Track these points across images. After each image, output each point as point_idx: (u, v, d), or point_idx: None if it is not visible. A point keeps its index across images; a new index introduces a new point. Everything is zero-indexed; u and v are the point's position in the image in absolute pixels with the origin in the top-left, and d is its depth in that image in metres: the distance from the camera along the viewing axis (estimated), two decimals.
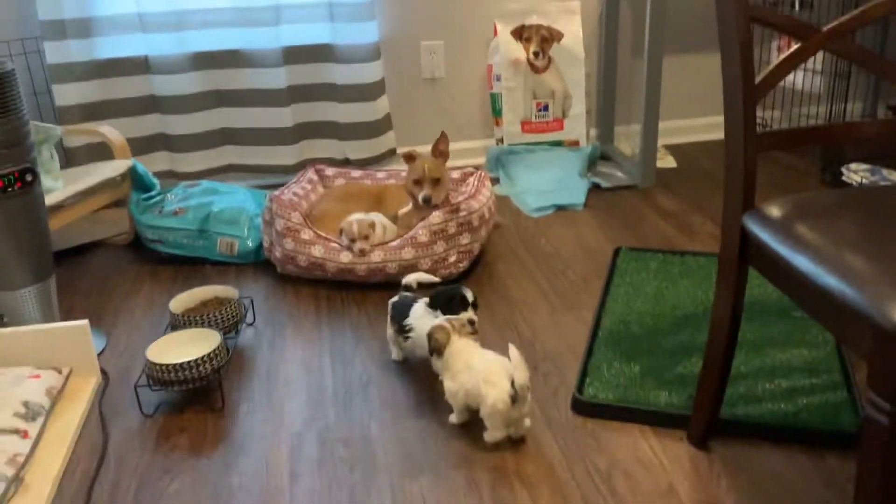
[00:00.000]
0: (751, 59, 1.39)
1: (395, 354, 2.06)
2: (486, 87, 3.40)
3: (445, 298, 1.92)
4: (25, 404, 1.80)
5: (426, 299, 1.96)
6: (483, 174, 2.69)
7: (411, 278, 2.09)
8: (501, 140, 3.37)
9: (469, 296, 1.91)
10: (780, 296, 2.17)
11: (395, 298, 2.05)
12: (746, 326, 2.04)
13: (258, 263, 2.63)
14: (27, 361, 1.94)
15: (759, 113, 1.42)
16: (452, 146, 2.68)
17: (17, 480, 1.63)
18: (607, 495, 1.57)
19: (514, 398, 1.64)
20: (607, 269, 2.44)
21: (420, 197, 2.48)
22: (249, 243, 2.62)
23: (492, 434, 1.70)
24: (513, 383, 1.64)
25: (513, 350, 1.66)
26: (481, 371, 1.69)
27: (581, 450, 1.70)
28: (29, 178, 1.95)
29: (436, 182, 2.47)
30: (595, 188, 3.12)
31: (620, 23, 3.36)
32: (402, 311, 1.98)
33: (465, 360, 1.74)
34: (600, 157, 3.39)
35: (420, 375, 1.99)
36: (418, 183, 2.50)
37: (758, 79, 1.41)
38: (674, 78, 3.41)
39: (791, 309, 2.12)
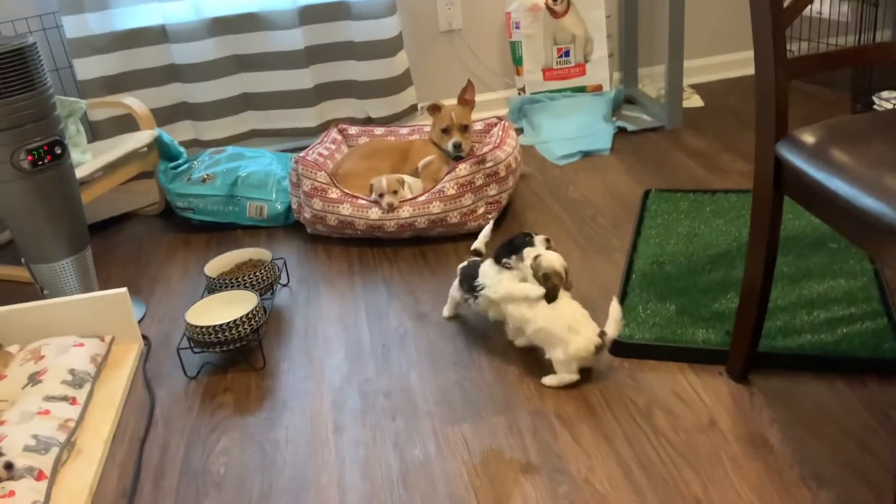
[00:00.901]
0: None
1: (448, 311, 2.04)
2: (505, 35, 3.35)
3: (507, 245, 1.86)
4: (72, 372, 1.85)
5: (490, 259, 1.91)
6: (507, 124, 2.67)
7: (479, 243, 2.02)
8: (523, 89, 3.34)
9: (532, 235, 1.86)
10: (814, 228, 2.15)
11: (464, 264, 1.99)
12: (782, 259, 2.01)
13: (288, 225, 2.65)
14: (70, 331, 1.99)
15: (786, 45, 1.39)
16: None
17: (69, 445, 1.68)
18: (648, 431, 1.58)
19: (600, 348, 1.71)
20: (637, 212, 2.42)
21: (450, 144, 2.50)
22: (278, 206, 2.63)
23: (562, 378, 1.73)
24: (602, 334, 1.71)
25: (614, 305, 1.73)
26: (567, 317, 1.73)
27: (620, 389, 1.70)
28: (58, 150, 1.97)
29: (464, 129, 2.52)
30: (621, 132, 3.09)
31: None
32: (471, 273, 1.92)
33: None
34: (625, 100, 3.35)
35: (455, 327, 2.01)
36: (447, 131, 2.52)
37: (786, 2, 1.38)
38: (696, 14, 3.33)
39: (827, 240, 2.10)
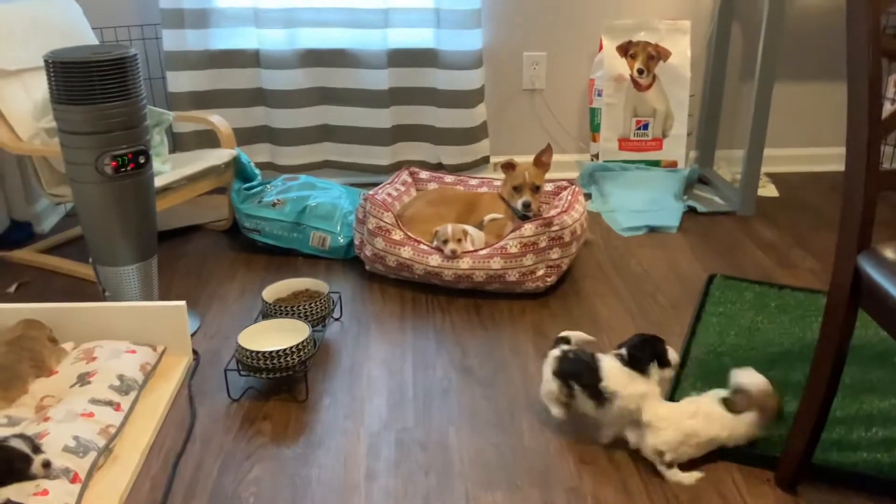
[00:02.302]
0: (879, 94, 1.33)
1: (558, 412, 1.78)
2: (586, 101, 3.37)
3: (647, 349, 1.71)
4: (120, 378, 1.88)
5: (613, 356, 1.74)
6: (577, 189, 2.66)
7: (573, 335, 1.88)
8: (597, 156, 3.33)
9: (669, 352, 1.74)
10: (880, 339, 2.08)
11: (558, 353, 1.78)
12: (845, 370, 1.95)
13: (347, 260, 2.67)
14: (125, 336, 2.02)
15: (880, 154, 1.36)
16: None
17: (107, 451, 1.70)
18: None
19: None
20: (699, 297, 2.37)
21: (520, 202, 2.53)
22: (341, 239, 2.66)
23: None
24: None
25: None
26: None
27: (663, 482, 1.65)
28: (142, 159, 2.03)
29: (535, 189, 2.55)
30: (691, 212, 3.05)
31: (731, 45, 3.27)
32: (579, 368, 1.73)
33: (691, 409, 1.70)
34: (698, 180, 3.32)
35: (501, 388, 1.98)
36: (518, 190, 2.56)
37: (885, 114, 1.35)
38: (781, 104, 3.29)
39: (892, 354, 2.02)
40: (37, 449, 1.55)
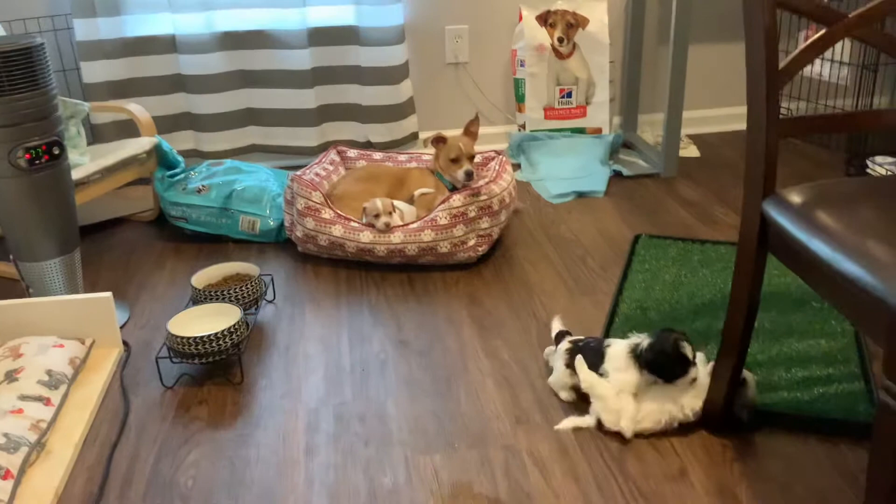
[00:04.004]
0: (775, 44, 1.39)
1: (567, 396, 1.82)
2: (509, 72, 3.40)
3: (665, 361, 1.67)
4: (49, 373, 1.84)
5: (626, 344, 1.74)
6: (504, 159, 2.70)
7: (560, 325, 1.95)
8: (523, 126, 3.37)
9: (689, 352, 1.67)
10: (798, 285, 2.17)
11: (568, 345, 1.83)
12: (764, 315, 2.03)
13: (279, 242, 2.66)
14: (52, 331, 1.98)
15: (784, 104, 1.42)
16: None
17: (39, 445, 1.67)
18: (619, 477, 1.58)
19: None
20: (626, 257, 2.44)
21: (461, 172, 2.56)
22: (271, 222, 2.65)
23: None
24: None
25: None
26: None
27: (594, 433, 1.71)
28: (56, 151, 1.98)
29: (471, 159, 2.57)
30: (616, 176, 3.12)
31: (647, 11, 3.34)
32: (587, 354, 1.77)
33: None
34: (623, 145, 3.39)
35: (437, 358, 2.01)
36: (456, 161, 2.58)
37: (782, 64, 1.41)
38: (698, 67, 3.38)
39: (810, 299, 2.11)
40: None
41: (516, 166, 3.21)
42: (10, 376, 1.82)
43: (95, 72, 3.00)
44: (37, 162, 1.94)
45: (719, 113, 3.60)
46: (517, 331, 2.10)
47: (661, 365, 1.68)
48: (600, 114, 3.35)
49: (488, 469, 1.61)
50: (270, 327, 2.17)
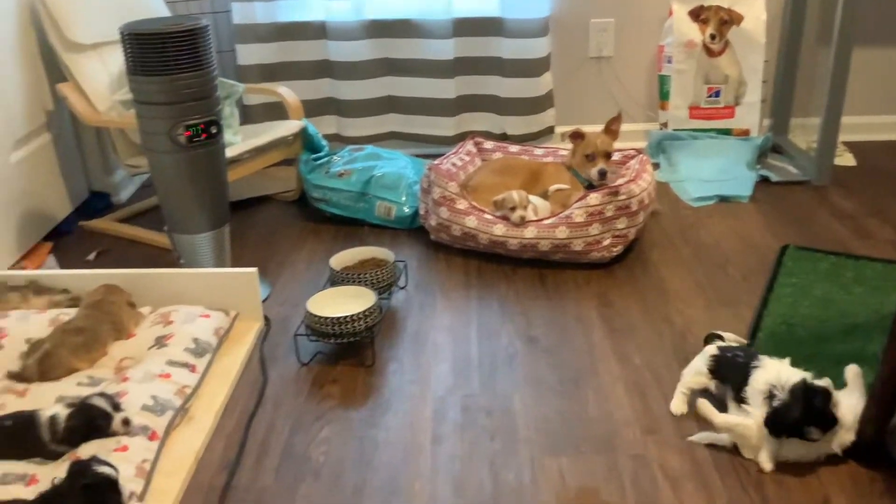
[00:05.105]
0: None
1: (679, 407, 1.75)
2: (654, 68, 3.30)
3: (805, 426, 1.53)
4: (195, 341, 1.94)
5: (767, 383, 1.60)
6: (645, 158, 2.62)
7: (725, 334, 1.87)
8: (665, 124, 3.27)
9: (833, 409, 1.55)
10: None
11: (716, 350, 1.76)
12: None
13: (412, 229, 2.69)
14: (199, 301, 2.08)
15: None
16: None
17: (183, 410, 1.76)
18: (756, 501, 1.50)
19: None
20: (771, 268, 2.32)
21: (595, 171, 2.52)
22: (406, 209, 2.68)
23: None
24: None
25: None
26: None
27: (731, 454, 1.63)
28: (214, 129, 2.07)
29: (607, 157, 2.52)
30: (763, 181, 2.97)
31: (808, 7, 3.15)
32: (731, 370, 1.70)
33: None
34: (772, 148, 3.22)
35: (565, 357, 1.98)
36: (591, 158, 2.54)
37: None
38: (860, 71, 3.16)
39: None
40: (117, 407, 1.62)
41: (655, 166, 3.11)
42: (160, 342, 1.92)
43: (249, 54, 3.13)
44: (195, 139, 2.04)
45: (881, 120, 3.36)
46: (650, 336, 2.04)
47: (802, 430, 1.54)
48: (749, 115, 3.20)
49: (616, 477, 1.58)
50: (402, 313, 2.20)
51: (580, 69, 3.32)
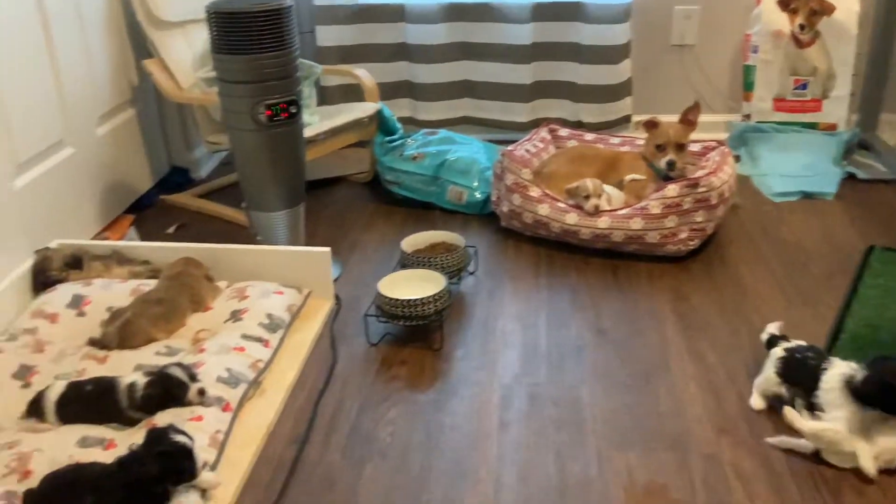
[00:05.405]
0: None
1: (758, 402, 1.72)
2: (738, 58, 3.20)
3: (889, 392, 1.50)
4: (269, 316, 1.97)
5: (841, 375, 1.56)
6: (726, 150, 2.55)
7: (775, 328, 1.81)
8: (748, 116, 3.17)
9: None
10: None
11: (782, 352, 1.70)
12: None
13: (483, 215, 2.68)
14: (274, 278, 2.12)
15: None
16: None
17: (255, 384, 1.80)
18: None
19: None
20: (856, 268, 2.23)
21: (664, 161, 2.45)
22: (478, 195, 2.67)
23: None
24: None
25: None
26: None
27: (806, 461, 1.57)
28: (293, 109, 2.10)
29: (680, 148, 2.45)
30: (850, 178, 2.85)
31: None
32: (801, 372, 1.65)
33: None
34: (859, 144, 3.09)
35: (636, 351, 1.95)
36: (661, 149, 2.47)
37: None
38: None
39: None
40: (193, 377, 1.66)
41: (736, 158, 3.01)
42: (236, 315, 1.97)
43: (328, 35, 3.16)
44: (275, 118, 2.07)
45: None
46: (726, 334, 1.99)
47: (885, 398, 1.50)
48: (837, 109, 3.08)
49: (686, 475, 1.54)
50: (471, 299, 2.20)
51: (661, 57, 3.24)
